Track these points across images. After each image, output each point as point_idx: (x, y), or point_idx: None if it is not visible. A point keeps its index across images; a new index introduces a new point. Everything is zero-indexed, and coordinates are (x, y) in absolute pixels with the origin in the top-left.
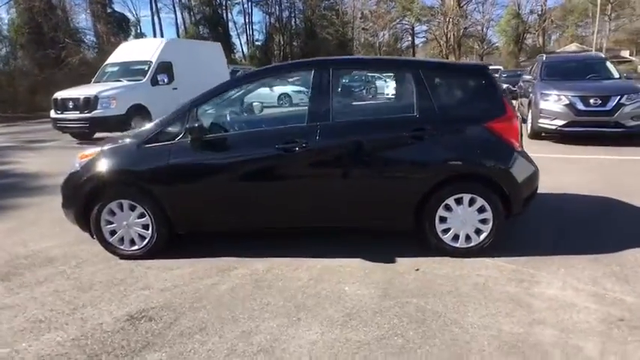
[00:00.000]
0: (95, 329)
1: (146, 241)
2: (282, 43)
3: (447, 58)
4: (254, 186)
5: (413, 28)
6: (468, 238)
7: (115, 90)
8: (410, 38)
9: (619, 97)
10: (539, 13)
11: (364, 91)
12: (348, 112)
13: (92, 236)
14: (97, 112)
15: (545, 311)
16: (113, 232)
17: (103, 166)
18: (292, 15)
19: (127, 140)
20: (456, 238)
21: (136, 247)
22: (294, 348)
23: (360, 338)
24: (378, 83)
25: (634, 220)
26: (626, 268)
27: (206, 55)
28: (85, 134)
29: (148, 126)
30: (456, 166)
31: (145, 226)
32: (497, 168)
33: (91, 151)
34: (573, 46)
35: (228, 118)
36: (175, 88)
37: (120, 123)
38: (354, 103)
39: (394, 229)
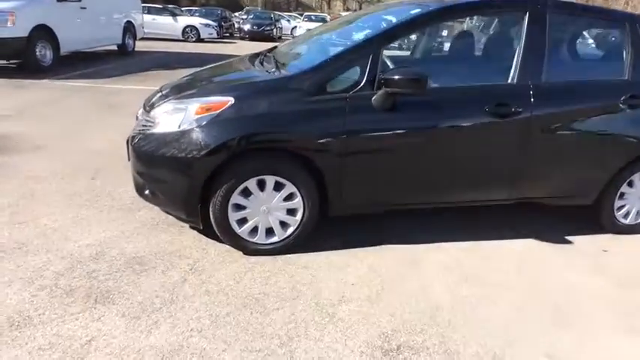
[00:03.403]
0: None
1: (290, 230)
2: None
3: None
4: (449, 158)
5: None
6: (637, 214)
7: (12, 2)
8: None
9: None
10: None
11: (574, 45)
12: (557, 70)
13: (201, 227)
14: None
15: None
16: (242, 221)
17: (244, 125)
18: None
19: (275, 85)
20: (627, 215)
21: (275, 240)
22: None
23: None
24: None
25: None
26: None
27: None
28: None
29: (291, 66)
30: None
31: (291, 211)
32: None
33: (216, 99)
34: None
35: (418, 66)
36: (84, 8)
37: (18, 50)
38: (562, 59)
39: (562, 205)
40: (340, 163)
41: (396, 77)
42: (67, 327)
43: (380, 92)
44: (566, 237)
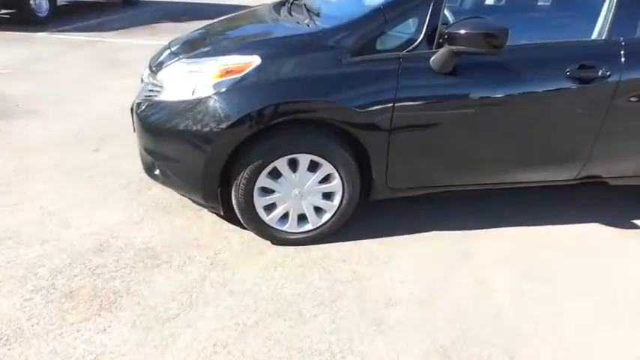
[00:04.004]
0: None
1: (326, 217)
2: None
3: None
4: (517, 132)
5: None
6: None
7: None
8: None
9: None
10: None
11: None
12: None
13: (222, 213)
14: None
15: None
16: (270, 207)
17: (272, 92)
18: None
19: (309, 41)
20: None
21: (308, 228)
22: None
23: None
24: None
25: None
26: None
27: None
28: None
29: (328, 17)
30: None
31: (328, 195)
32: None
33: (238, 59)
34: None
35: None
36: None
37: None
38: None
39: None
40: (388, 137)
41: (465, 32)
42: (65, 341)
43: (442, 51)
44: (634, 221)
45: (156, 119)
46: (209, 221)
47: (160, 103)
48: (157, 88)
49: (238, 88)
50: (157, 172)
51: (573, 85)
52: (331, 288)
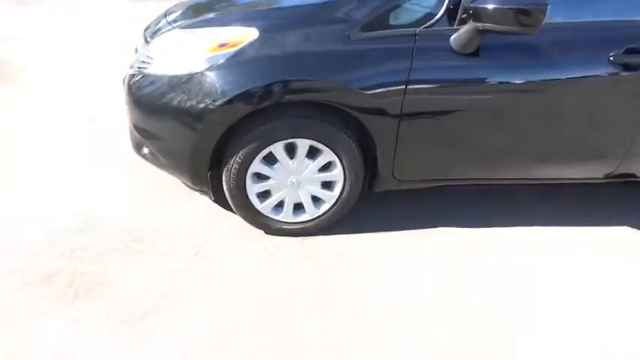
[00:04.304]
0: None
1: (324, 207)
2: None
3: None
4: (547, 123)
5: None
6: None
7: None
8: None
9: None
10: None
11: None
12: None
13: (212, 198)
14: None
15: None
16: (264, 195)
17: (271, 69)
18: None
19: (314, 13)
20: None
21: (305, 218)
22: None
23: None
24: None
25: None
26: None
27: None
28: None
29: None
30: None
31: (327, 185)
32: None
33: (235, 31)
34: None
35: None
36: None
37: None
38: None
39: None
40: (398, 124)
41: (493, 7)
42: (35, 332)
43: (465, 29)
44: None
45: (144, 94)
46: (201, 204)
47: (149, 76)
48: (148, 60)
49: (232, 63)
50: (146, 150)
51: (616, 72)
52: (326, 286)
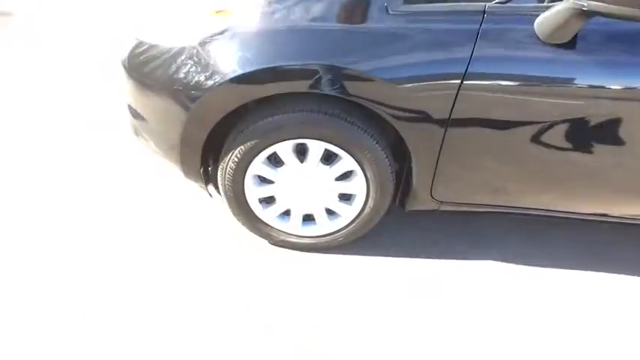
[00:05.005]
0: None
1: (341, 223)
2: None
3: None
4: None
5: None
6: None
7: None
8: None
9: None
10: None
11: None
12: None
13: (210, 195)
14: None
15: None
16: (267, 201)
17: (281, 48)
18: None
19: None
20: None
21: (316, 233)
22: None
23: None
24: None
25: None
26: None
27: None
28: None
29: None
30: None
31: (345, 197)
32: None
33: None
34: None
35: None
36: None
37: None
38: None
39: None
40: (444, 131)
41: None
42: None
43: (560, 8)
44: None
45: (135, 67)
46: (201, 199)
47: (144, 46)
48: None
49: (235, 37)
50: (140, 136)
51: None
52: (333, 323)
